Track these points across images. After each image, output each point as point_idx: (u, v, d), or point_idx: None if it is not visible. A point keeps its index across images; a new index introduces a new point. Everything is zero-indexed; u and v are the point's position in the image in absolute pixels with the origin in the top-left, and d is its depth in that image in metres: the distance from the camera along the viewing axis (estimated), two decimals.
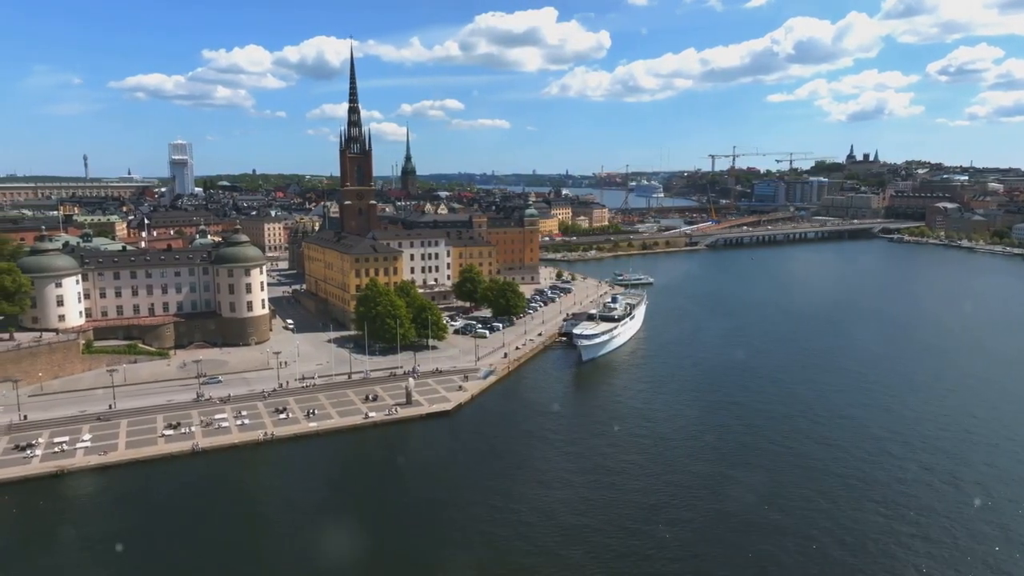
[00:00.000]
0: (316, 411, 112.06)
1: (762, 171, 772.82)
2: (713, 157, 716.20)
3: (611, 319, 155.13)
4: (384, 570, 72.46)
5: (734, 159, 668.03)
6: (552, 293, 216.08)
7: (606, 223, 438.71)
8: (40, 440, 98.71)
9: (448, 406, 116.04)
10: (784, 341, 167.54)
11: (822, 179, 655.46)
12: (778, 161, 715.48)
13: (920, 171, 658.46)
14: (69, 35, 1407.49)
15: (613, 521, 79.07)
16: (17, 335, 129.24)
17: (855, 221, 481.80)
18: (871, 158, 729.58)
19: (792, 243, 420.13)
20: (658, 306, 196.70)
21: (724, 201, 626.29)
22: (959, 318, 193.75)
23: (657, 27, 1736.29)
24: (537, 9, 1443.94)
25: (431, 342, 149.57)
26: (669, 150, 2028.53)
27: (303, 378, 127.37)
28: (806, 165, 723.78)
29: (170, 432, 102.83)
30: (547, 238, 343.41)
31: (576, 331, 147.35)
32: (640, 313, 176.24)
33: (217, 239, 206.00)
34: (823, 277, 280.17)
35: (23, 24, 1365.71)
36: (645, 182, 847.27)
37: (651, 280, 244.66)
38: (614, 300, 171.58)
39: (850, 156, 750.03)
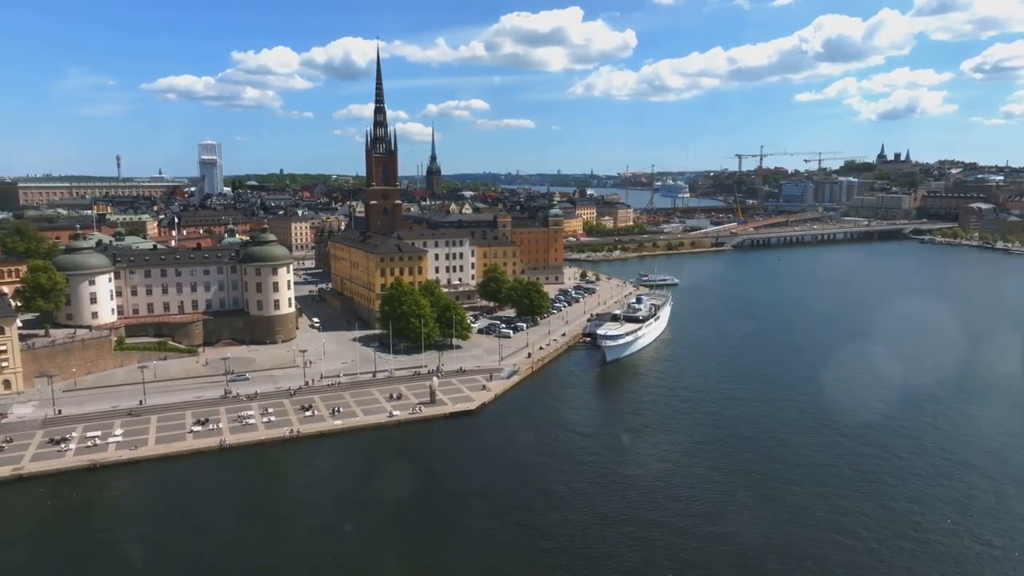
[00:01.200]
0: (341, 409, 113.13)
1: (790, 171, 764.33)
2: (740, 157, 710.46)
3: (635, 320, 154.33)
4: (403, 569, 72.78)
5: (761, 159, 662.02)
6: (576, 293, 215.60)
7: (631, 223, 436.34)
8: (74, 434, 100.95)
9: (472, 405, 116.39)
10: (811, 344, 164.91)
11: (851, 179, 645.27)
12: (806, 161, 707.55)
13: (953, 171, 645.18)
14: (103, 38, 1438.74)
15: (631, 534, 78.07)
16: (52, 331, 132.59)
17: (885, 222, 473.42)
18: (902, 158, 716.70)
19: (820, 244, 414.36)
20: (683, 307, 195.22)
21: (751, 201, 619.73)
22: (999, 320, 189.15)
23: (683, 26, 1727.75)
24: (562, 9, 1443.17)
25: (455, 341, 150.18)
26: (695, 150, 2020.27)
27: (326, 376, 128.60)
28: (835, 165, 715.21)
29: (198, 428, 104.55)
30: (572, 238, 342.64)
31: (600, 332, 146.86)
32: (665, 314, 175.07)
33: (245, 238, 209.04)
34: (852, 279, 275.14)
35: (59, 27, 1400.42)
36: (671, 182, 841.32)
37: (676, 281, 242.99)
38: (639, 301, 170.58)
39: (880, 156, 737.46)
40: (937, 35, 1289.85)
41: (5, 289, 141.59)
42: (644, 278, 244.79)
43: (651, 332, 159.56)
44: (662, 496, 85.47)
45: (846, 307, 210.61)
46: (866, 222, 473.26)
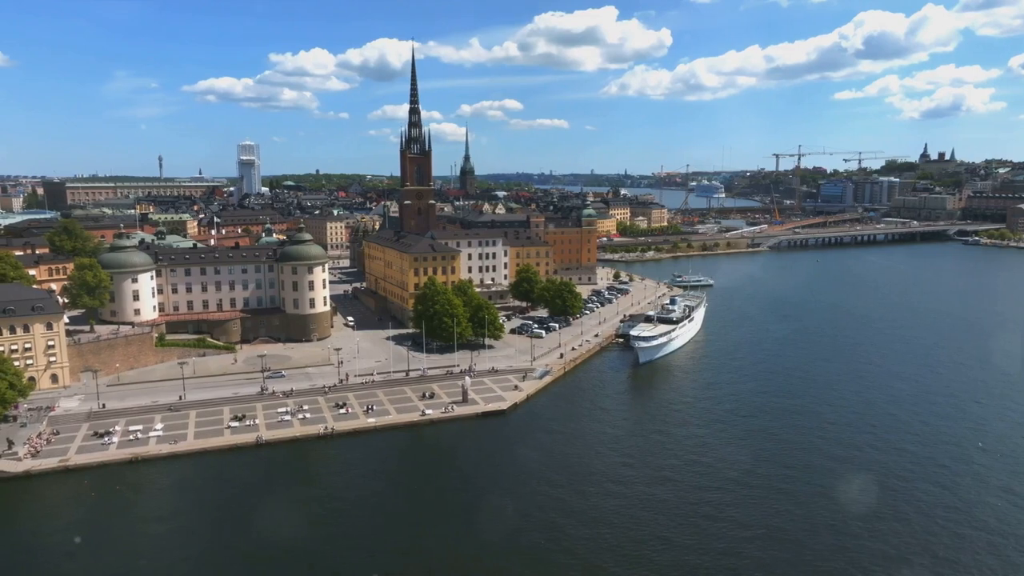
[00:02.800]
0: (374, 407, 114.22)
1: (829, 171, 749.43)
2: (777, 156, 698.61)
3: (669, 321, 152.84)
4: (433, 566, 73.09)
5: (799, 158, 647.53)
6: (609, 294, 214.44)
7: (665, 223, 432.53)
8: (117, 428, 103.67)
9: (504, 405, 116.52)
10: (849, 347, 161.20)
11: (893, 179, 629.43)
12: (846, 160, 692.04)
13: (1001, 170, 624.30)
14: (147, 43, 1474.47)
15: (658, 533, 77.35)
16: (97, 328, 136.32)
17: (928, 223, 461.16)
18: (947, 157, 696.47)
19: (860, 245, 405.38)
20: (718, 308, 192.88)
21: (788, 202, 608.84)
22: None
23: (720, 24, 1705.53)
24: (597, 8, 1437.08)
25: (487, 341, 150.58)
26: (731, 149, 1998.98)
27: (360, 374, 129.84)
28: (876, 164, 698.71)
29: (235, 424, 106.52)
30: (605, 238, 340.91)
31: (633, 332, 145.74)
32: (699, 315, 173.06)
33: (282, 237, 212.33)
34: (893, 281, 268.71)
35: (106, 33, 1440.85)
36: (706, 182, 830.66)
37: (711, 282, 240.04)
38: (672, 302, 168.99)
39: (923, 155, 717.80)
40: (984, 31, 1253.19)
41: (53, 286, 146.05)
42: (678, 279, 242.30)
43: (685, 334, 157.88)
44: (693, 500, 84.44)
45: (888, 310, 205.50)
46: (908, 223, 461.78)
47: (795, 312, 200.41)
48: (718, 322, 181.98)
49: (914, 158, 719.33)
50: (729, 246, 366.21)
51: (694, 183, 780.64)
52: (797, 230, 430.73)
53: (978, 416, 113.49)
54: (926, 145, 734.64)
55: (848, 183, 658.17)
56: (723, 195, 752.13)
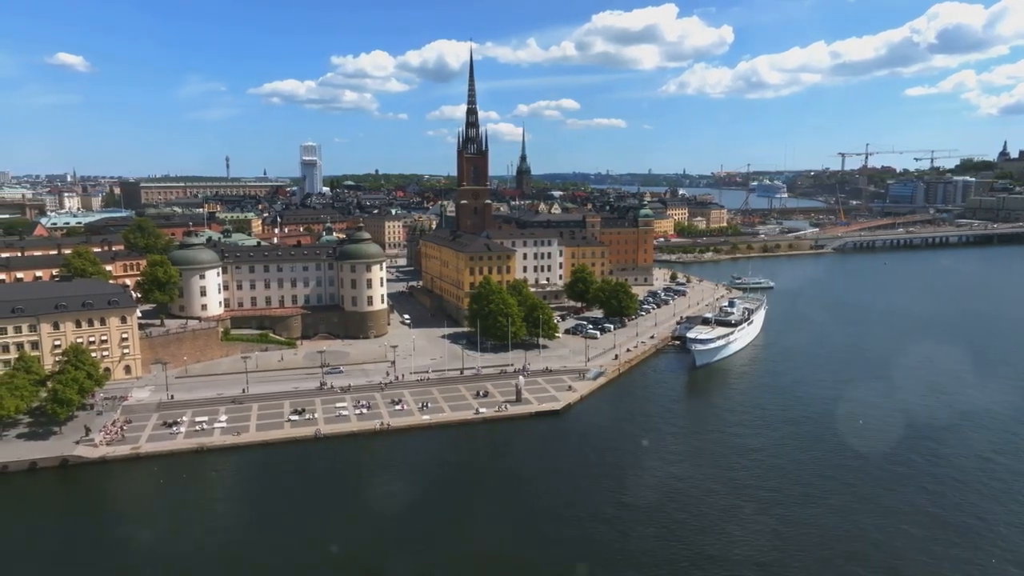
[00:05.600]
0: (429, 404, 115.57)
1: (898, 170, 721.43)
2: (843, 155, 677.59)
3: (727, 324, 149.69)
4: (486, 565, 73.44)
5: (867, 157, 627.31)
6: (666, 295, 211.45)
7: (724, 224, 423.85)
8: (184, 418, 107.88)
9: (557, 406, 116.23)
10: (917, 355, 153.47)
11: (968, 178, 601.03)
12: (917, 159, 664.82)
13: None
14: (217, 48, 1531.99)
15: (710, 543, 76.04)
16: (167, 322, 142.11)
17: (1007, 225, 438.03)
18: None
19: (931, 248, 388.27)
20: (778, 311, 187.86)
21: (855, 202, 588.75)
22: None
23: (783, 20, 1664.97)
24: (656, 6, 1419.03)
25: (542, 341, 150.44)
26: (794, 148, 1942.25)
27: (416, 372, 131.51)
28: (949, 163, 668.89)
29: (295, 418, 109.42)
30: (662, 239, 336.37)
31: (690, 335, 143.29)
32: (759, 318, 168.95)
33: (342, 236, 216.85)
34: (968, 285, 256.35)
35: (179, 39, 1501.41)
36: (767, 182, 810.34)
37: (772, 284, 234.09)
38: (731, 304, 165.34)
39: (1003, 153, 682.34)
40: None
41: (128, 281, 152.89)
42: (737, 281, 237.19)
43: (744, 337, 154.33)
44: (748, 510, 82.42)
45: (961, 316, 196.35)
46: (985, 225, 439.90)
47: (861, 316, 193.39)
48: (778, 325, 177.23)
49: (992, 156, 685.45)
50: (791, 247, 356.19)
51: (755, 183, 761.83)
52: (864, 231, 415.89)
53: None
54: (1005, 143, 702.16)
55: (919, 183, 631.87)
56: (785, 195, 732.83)
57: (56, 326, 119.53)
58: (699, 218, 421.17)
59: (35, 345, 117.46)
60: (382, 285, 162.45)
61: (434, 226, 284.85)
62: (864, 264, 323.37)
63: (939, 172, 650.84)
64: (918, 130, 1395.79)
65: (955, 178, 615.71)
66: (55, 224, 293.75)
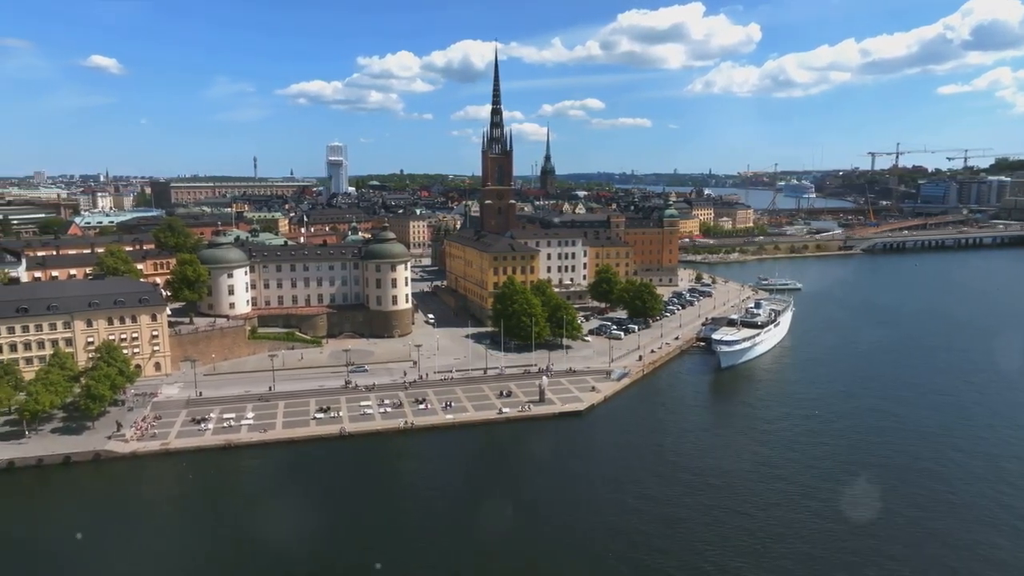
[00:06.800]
0: (453, 403, 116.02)
1: (930, 170, 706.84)
2: (873, 155, 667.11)
3: (753, 325, 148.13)
4: (505, 564, 73.58)
5: (897, 157, 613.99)
6: (691, 296, 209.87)
7: (751, 225, 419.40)
8: (212, 415, 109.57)
9: (580, 406, 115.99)
10: (948, 360, 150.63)
11: (1003, 178, 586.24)
12: (949, 159, 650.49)
13: None
14: (244, 49, 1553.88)
15: (737, 550, 75.27)
16: (196, 320, 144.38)
17: None
18: None
19: (964, 249, 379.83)
20: (806, 313, 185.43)
21: (885, 202, 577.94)
22: None
23: (812, 17, 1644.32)
24: (683, 5, 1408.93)
25: (565, 341, 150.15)
26: (822, 148, 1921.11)
27: (439, 371, 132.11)
28: (984, 163, 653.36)
29: (321, 415, 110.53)
30: (687, 239, 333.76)
31: (715, 336, 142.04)
32: (786, 320, 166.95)
33: (367, 236, 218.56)
34: (1003, 287, 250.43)
35: (208, 40, 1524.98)
36: (795, 182, 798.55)
37: (799, 285, 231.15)
38: (757, 305, 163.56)
39: None
40: None
41: (158, 280, 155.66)
42: (764, 282, 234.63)
43: (770, 339, 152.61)
44: (774, 522, 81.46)
45: (995, 320, 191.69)
46: (1021, 225, 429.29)
47: (891, 319, 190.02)
48: (806, 327, 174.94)
49: None
50: (819, 248, 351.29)
51: (782, 183, 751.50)
52: (894, 232, 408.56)
53: None
54: None
55: (952, 183, 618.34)
56: (813, 195, 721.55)
57: (89, 323, 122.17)
58: (725, 218, 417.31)
59: (69, 342, 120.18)
60: (406, 285, 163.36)
61: (458, 226, 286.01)
62: (894, 265, 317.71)
63: (973, 172, 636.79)
64: (951, 129, 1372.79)
65: (989, 178, 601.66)
66: (88, 223, 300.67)
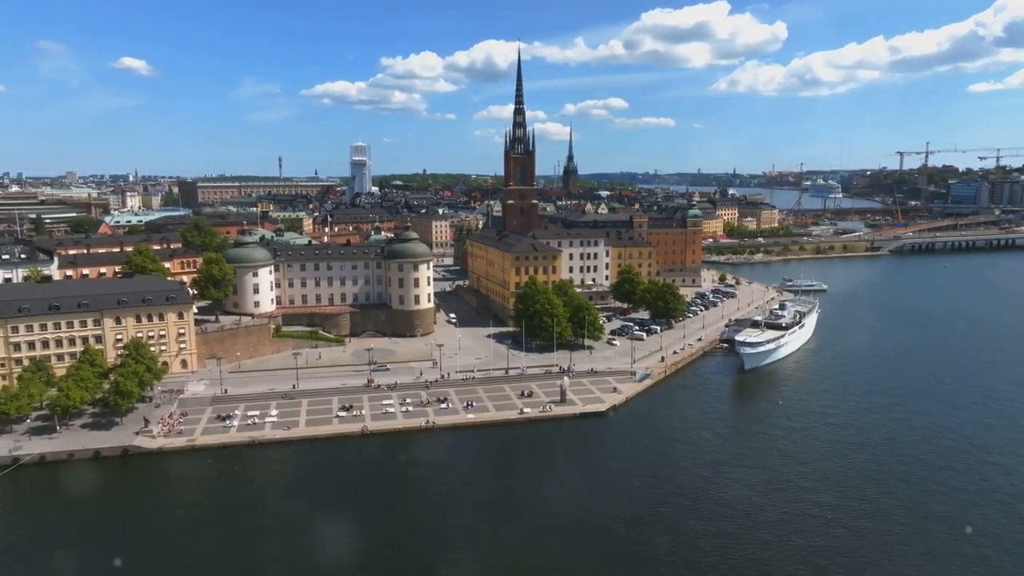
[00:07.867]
0: (474, 403, 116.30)
1: (961, 169, 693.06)
2: (901, 154, 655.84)
3: (778, 327, 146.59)
4: (527, 566, 73.56)
5: (927, 156, 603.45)
6: (714, 297, 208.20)
7: (776, 225, 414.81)
8: (237, 412, 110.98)
9: (602, 407, 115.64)
10: (977, 364, 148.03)
11: None
12: (981, 159, 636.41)
13: None
14: (271, 50, 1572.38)
15: (750, 557, 74.47)
16: (221, 318, 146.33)
17: None
18: None
19: (996, 250, 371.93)
20: (832, 315, 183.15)
21: (913, 203, 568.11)
22: None
23: (839, 15, 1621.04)
24: (707, 3, 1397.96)
25: (587, 342, 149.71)
26: (849, 147, 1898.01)
27: (461, 371, 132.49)
28: (1016, 162, 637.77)
29: (343, 414, 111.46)
30: (711, 240, 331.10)
31: (739, 338, 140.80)
32: (811, 322, 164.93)
33: (390, 235, 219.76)
34: None
35: (235, 41, 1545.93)
36: (821, 181, 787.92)
37: (824, 287, 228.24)
38: (782, 307, 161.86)
39: None
40: None
41: (185, 278, 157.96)
42: (789, 283, 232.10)
43: (795, 340, 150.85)
44: (798, 523, 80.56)
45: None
46: None
47: (919, 321, 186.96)
48: (831, 329, 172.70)
49: None
50: (845, 249, 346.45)
51: (808, 183, 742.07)
52: (923, 233, 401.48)
53: None
54: None
55: (983, 182, 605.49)
56: (840, 195, 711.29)
57: (118, 321, 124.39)
58: (749, 218, 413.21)
59: (99, 339, 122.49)
60: (429, 284, 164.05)
61: (480, 226, 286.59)
62: (923, 267, 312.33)
63: (1006, 171, 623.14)
64: (982, 128, 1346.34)
65: (1023, 177, 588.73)
66: (118, 222, 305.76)
